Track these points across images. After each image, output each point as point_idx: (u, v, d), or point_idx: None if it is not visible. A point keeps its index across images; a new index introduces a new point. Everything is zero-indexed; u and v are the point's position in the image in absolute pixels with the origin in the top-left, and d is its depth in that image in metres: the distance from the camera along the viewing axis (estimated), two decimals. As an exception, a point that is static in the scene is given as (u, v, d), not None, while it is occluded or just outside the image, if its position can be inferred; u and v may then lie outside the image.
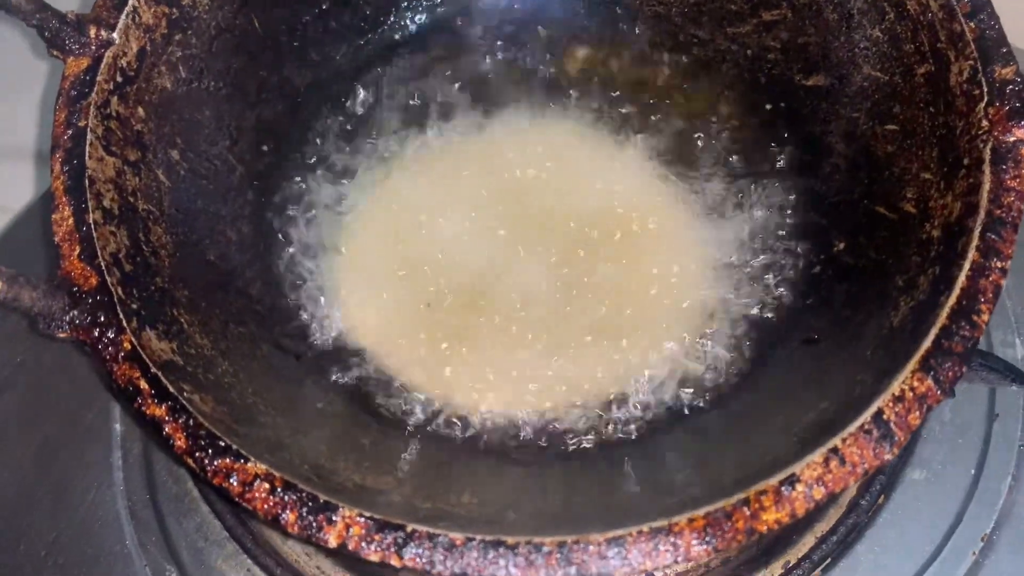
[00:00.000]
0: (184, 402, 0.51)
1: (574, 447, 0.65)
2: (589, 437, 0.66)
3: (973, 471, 0.71)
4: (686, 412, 0.66)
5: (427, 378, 0.69)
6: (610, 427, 0.67)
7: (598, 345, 0.70)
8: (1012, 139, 0.56)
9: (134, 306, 0.55)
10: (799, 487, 0.47)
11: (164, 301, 0.59)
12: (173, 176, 0.65)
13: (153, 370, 0.52)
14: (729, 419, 0.64)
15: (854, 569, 0.67)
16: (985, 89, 0.57)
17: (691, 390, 0.68)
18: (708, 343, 0.70)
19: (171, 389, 0.51)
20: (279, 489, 0.48)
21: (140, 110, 0.64)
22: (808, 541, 0.68)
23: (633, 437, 0.65)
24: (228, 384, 0.57)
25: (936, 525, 0.69)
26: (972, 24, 0.59)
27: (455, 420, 0.67)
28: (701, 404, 0.66)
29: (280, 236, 0.73)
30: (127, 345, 0.52)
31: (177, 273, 0.61)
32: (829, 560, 0.67)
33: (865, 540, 0.68)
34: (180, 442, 0.50)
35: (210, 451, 0.49)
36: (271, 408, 0.58)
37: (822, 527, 0.68)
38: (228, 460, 0.49)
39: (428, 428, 0.66)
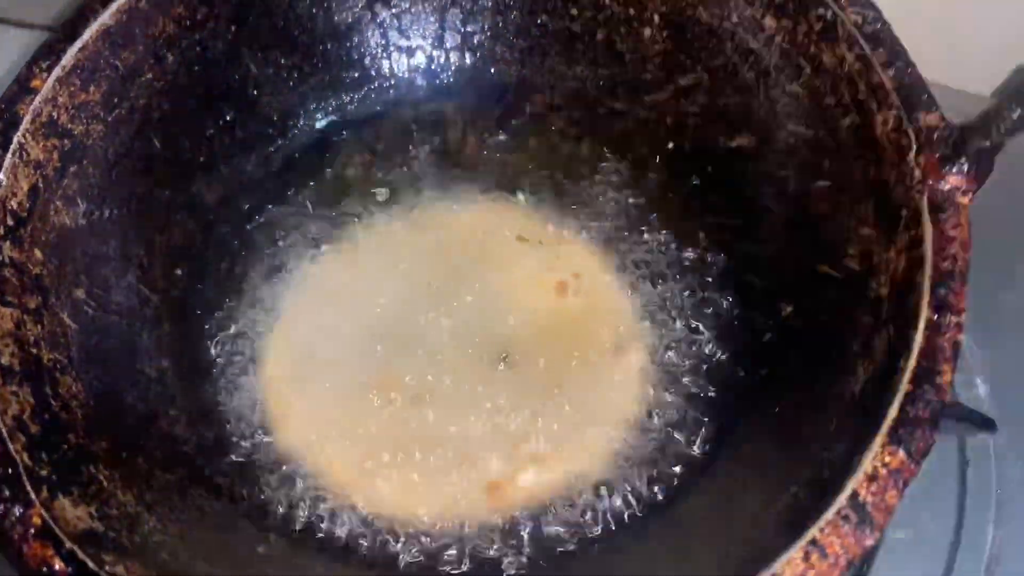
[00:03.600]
0: (106, 576, 0.46)
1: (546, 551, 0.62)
2: (561, 538, 0.62)
3: (954, 523, 0.69)
4: (656, 503, 0.63)
5: (369, 498, 0.65)
6: (581, 524, 0.63)
7: (546, 442, 0.66)
8: (947, 187, 0.54)
9: (44, 472, 0.51)
10: (782, 589, 0.44)
11: (79, 459, 0.54)
12: (80, 317, 0.61)
13: (68, 545, 0.47)
14: (700, 507, 0.60)
15: (848, 645, 0.64)
16: (913, 137, 0.56)
17: (657, 478, 0.64)
18: (665, 429, 0.66)
19: (90, 564, 0.47)
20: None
21: (37, 252, 0.60)
22: (797, 618, 0.65)
23: (601, 536, 0.62)
24: (156, 543, 0.53)
25: (925, 584, 0.67)
26: (890, 73, 0.58)
27: (404, 546, 0.63)
28: (670, 493, 0.63)
29: (203, 364, 0.69)
30: (37, 520, 0.48)
31: (93, 424, 0.57)
32: (821, 638, 0.64)
33: (855, 611, 0.65)
34: (104, 624, 0.45)
35: (138, 628, 0.45)
36: (205, 562, 0.53)
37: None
38: (158, 635, 0.45)
39: (375, 558, 0.62)
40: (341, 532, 0.63)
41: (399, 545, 0.62)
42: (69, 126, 0.63)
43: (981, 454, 0.71)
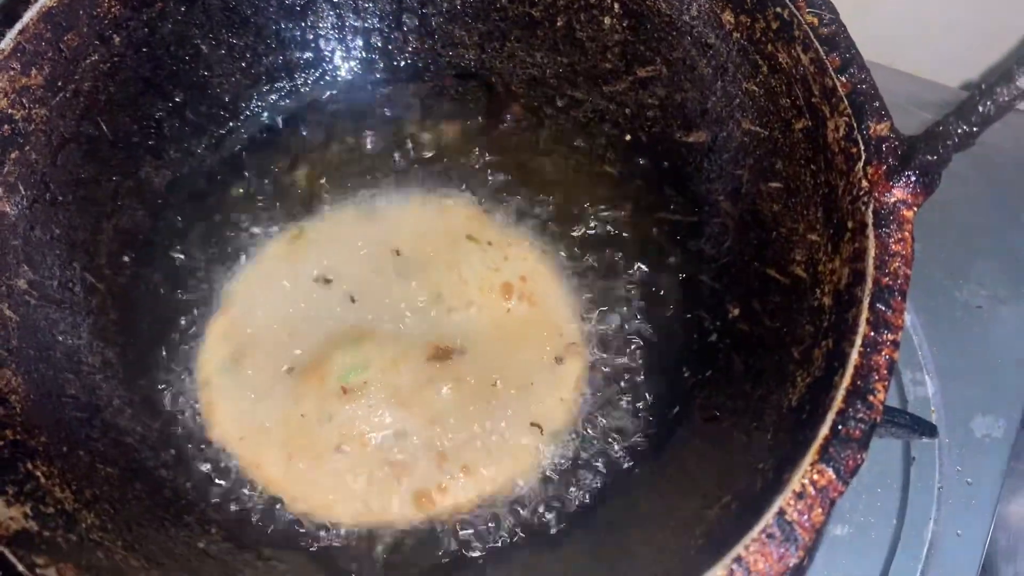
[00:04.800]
0: (36, 581, 0.46)
1: (470, 558, 0.62)
2: (479, 545, 0.63)
3: (895, 520, 0.70)
4: (593, 505, 0.63)
5: (297, 495, 0.65)
6: (511, 535, 0.63)
7: (478, 449, 0.66)
8: (892, 199, 0.54)
9: (-24, 473, 0.50)
10: (705, 605, 0.45)
11: (16, 456, 0.53)
12: (22, 309, 0.60)
13: (-1, 547, 0.47)
14: (633, 513, 0.61)
15: (784, 641, 0.65)
16: (862, 147, 0.55)
17: (591, 480, 0.65)
18: (602, 436, 0.66)
19: (20, 567, 0.46)
20: (147, 672, 0.44)
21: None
22: (736, 615, 0.66)
23: (539, 540, 0.62)
24: (94, 542, 0.53)
25: (863, 582, 0.68)
26: (843, 78, 0.57)
27: (336, 543, 0.63)
28: (599, 501, 0.63)
29: (148, 353, 0.68)
30: (-33, 524, 0.48)
31: (32, 418, 0.56)
32: (757, 635, 0.65)
33: (793, 608, 0.66)
34: (33, 631, 0.45)
35: (67, 637, 0.45)
36: (144, 561, 0.53)
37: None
38: (89, 644, 0.45)
39: (311, 553, 0.62)
40: (273, 527, 0.63)
41: (331, 542, 0.63)
42: (9, 111, 0.61)
43: (927, 452, 0.72)
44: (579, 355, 0.69)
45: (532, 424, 0.67)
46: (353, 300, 0.71)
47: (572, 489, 0.64)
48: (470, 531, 0.63)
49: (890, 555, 0.68)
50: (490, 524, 0.64)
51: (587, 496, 0.64)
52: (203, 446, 0.66)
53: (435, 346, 0.69)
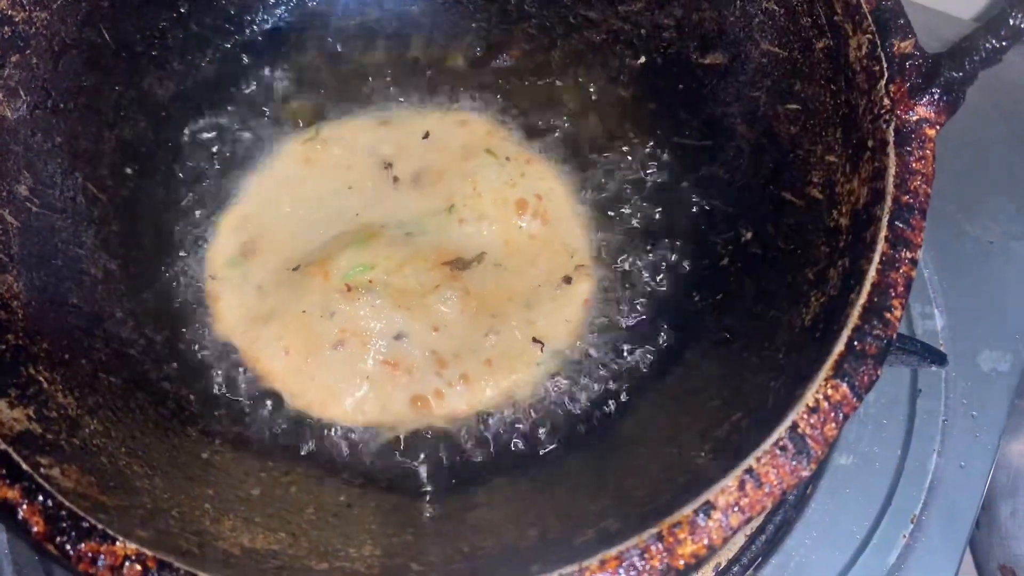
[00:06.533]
0: (40, 480, 0.46)
1: (477, 472, 0.62)
2: (486, 461, 0.63)
3: (899, 451, 0.70)
4: (596, 424, 0.63)
5: (296, 393, 0.64)
6: (512, 446, 0.63)
7: (480, 361, 0.65)
8: (915, 118, 0.53)
9: (-22, 373, 0.50)
10: (715, 515, 0.44)
11: (18, 360, 0.53)
12: (23, 215, 0.59)
13: (2, 446, 0.46)
14: (642, 431, 0.60)
15: (784, 567, 0.65)
16: (885, 65, 0.54)
17: (592, 399, 0.64)
18: (609, 354, 0.66)
19: (25, 466, 0.46)
20: (152, 571, 0.44)
21: (-26, 145, 0.57)
22: (738, 540, 0.66)
23: (539, 456, 0.62)
24: (97, 447, 0.52)
25: (866, 511, 0.68)
26: (868, -5, 0.56)
27: (342, 443, 0.63)
28: (604, 419, 0.63)
29: (151, 265, 0.67)
30: (-30, 421, 0.47)
31: (33, 325, 0.56)
32: (760, 559, 0.65)
33: (795, 534, 0.67)
34: (38, 527, 0.45)
35: (73, 534, 0.44)
36: (148, 468, 0.53)
37: (751, 525, 0.66)
38: (94, 542, 0.44)
39: (322, 466, 0.62)
40: (273, 428, 0.63)
41: (328, 443, 0.63)
42: (9, 12, 0.60)
43: (933, 385, 0.72)
44: (588, 276, 0.69)
45: (535, 340, 0.66)
46: (365, 203, 0.70)
47: (571, 407, 0.64)
48: (469, 441, 0.63)
49: (893, 485, 0.68)
50: (487, 435, 0.63)
51: (589, 415, 0.64)
52: (206, 337, 0.66)
53: (444, 255, 0.68)
